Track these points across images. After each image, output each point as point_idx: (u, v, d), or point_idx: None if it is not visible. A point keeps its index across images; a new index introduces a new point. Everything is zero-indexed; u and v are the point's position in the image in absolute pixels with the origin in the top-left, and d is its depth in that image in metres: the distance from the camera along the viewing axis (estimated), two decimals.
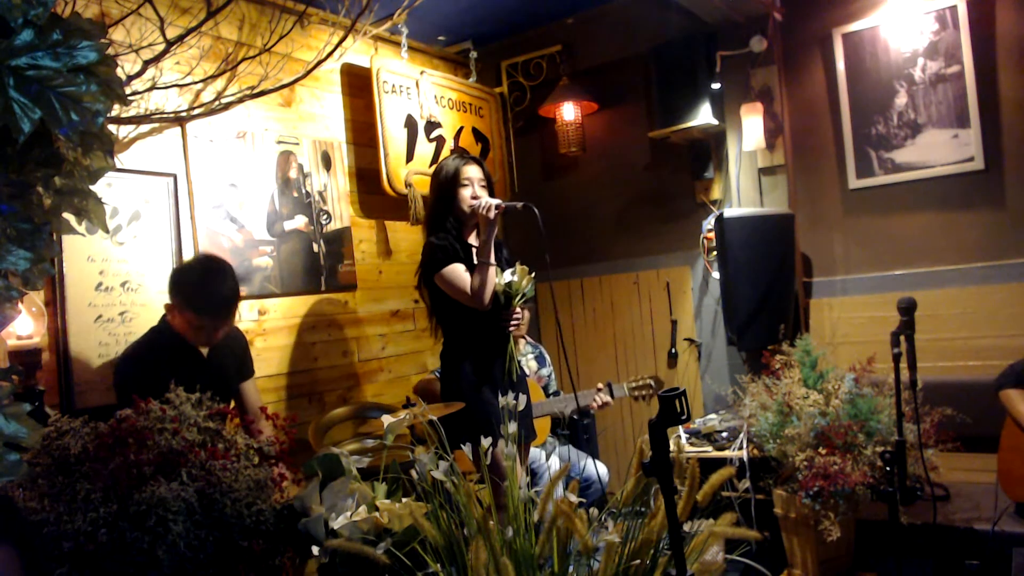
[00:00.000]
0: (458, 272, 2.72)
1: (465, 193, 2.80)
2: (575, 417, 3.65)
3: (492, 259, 2.72)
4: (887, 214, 3.61)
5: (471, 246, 2.82)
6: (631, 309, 4.33)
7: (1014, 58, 3.29)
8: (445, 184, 2.83)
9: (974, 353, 3.37)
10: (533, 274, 2.83)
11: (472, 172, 2.83)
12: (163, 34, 2.63)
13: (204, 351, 2.57)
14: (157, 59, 2.65)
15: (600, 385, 3.47)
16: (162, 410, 1.62)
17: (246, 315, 3.15)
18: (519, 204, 2.75)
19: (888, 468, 2.41)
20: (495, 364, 2.80)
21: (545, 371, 3.77)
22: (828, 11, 3.69)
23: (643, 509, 1.65)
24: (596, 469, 3.47)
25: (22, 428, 1.17)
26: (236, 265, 3.08)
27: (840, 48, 3.66)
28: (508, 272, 2.79)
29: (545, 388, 3.73)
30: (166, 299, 2.54)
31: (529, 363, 3.74)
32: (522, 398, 1.75)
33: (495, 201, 2.73)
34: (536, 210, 2.68)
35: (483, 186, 2.84)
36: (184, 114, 2.92)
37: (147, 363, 2.43)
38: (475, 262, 2.75)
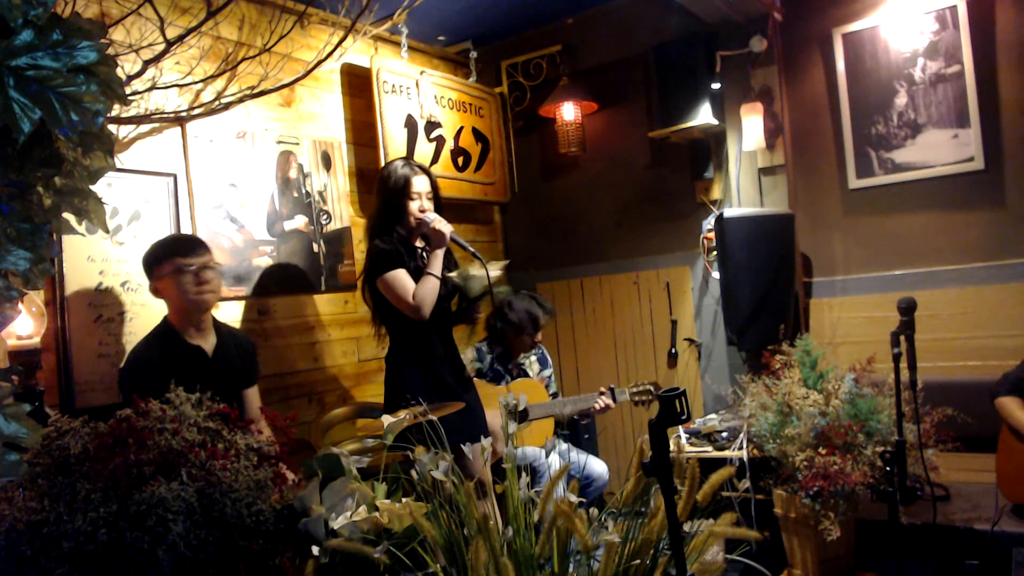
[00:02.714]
0: (401, 278, 2.68)
1: (413, 206, 2.77)
2: (576, 419, 3.66)
3: (437, 271, 2.68)
4: (887, 214, 3.61)
5: (417, 249, 2.81)
6: (631, 309, 4.33)
7: (1014, 58, 3.29)
8: (393, 193, 2.78)
9: (974, 353, 3.37)
10: (485, 270, 2.78)
11: (421, 185, 2.79)
12: (163, 34, 2.63)
13: (209, 350, 2.56)
14: (157, 59, 2.65)
15: (603, 389, 3.49)
16: (162, 410, 1.62)
17: (246, 315, 3.15)
18: (471, 248, 2.72)
19: (888, 468, 2.41)
20: (444, 369, 2.79)
21: (547, 372, 3.78)
22: (828, 11, 3.69)
23: (643, 509, 1.65)
24: (595, 467, 3.48)
25: (22, 428, 1.17)
26: (236, 265, 3.10)
27: (840, 48, 3.66)
28: (471, 268, 2.78)
29: (545, 389, 3.74)
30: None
31: (532, 365, 3.76)
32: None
33: (448, 230, 2.70)
34: (483, 261, 2.71)
35: (430, 199, 2.81)
36: (184, 114, 2.92)
37: (153, 367, 2.39)
38: (422, 264, 2.73)
